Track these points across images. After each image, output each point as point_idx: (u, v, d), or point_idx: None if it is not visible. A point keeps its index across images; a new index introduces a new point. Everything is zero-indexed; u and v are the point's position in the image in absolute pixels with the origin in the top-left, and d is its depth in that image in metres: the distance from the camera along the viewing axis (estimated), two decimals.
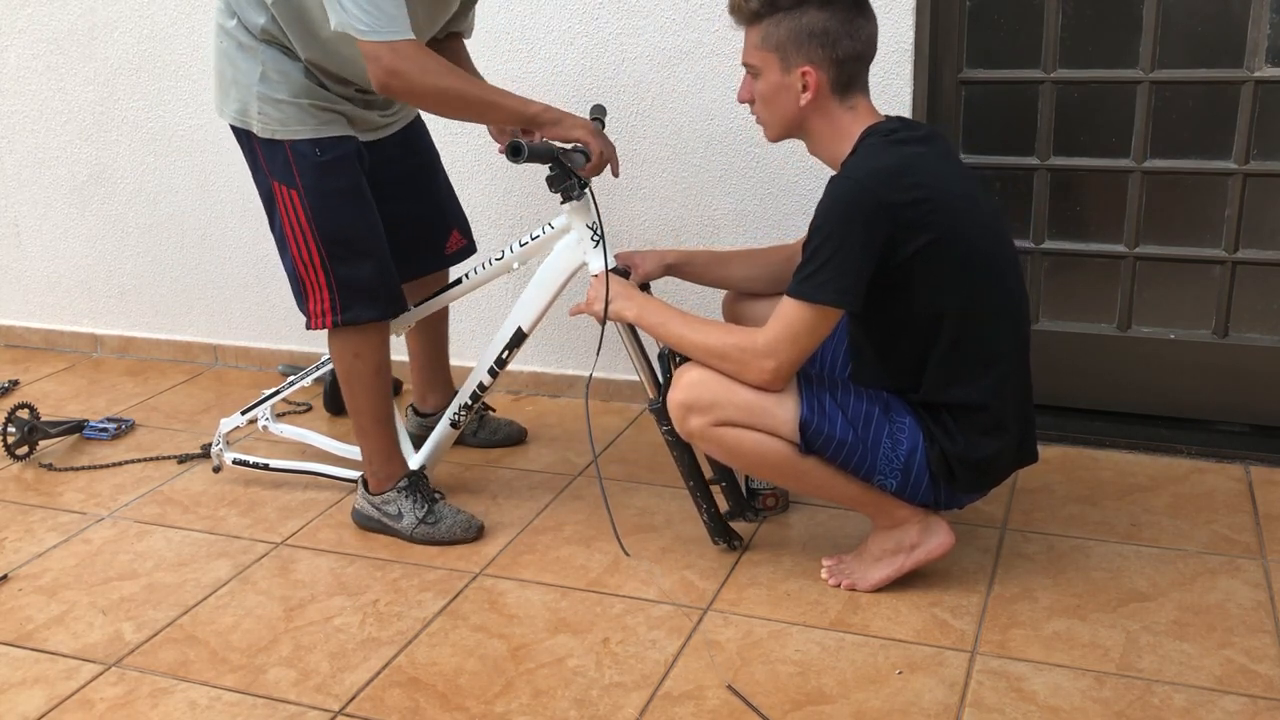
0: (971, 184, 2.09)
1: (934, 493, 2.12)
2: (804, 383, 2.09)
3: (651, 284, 2.39)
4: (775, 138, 2.14)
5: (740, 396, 2.06)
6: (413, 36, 2.16)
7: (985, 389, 2.06)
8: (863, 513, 2.22)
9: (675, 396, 2.12)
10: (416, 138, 2.60)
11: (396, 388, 3.28)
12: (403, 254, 2.59)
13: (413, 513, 2.46)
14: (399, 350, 3.02)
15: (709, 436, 2.11)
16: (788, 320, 2.00)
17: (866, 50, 2.05)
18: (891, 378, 2.14)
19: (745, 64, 2.10)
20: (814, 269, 1.96)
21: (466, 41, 2.62)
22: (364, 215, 2.39)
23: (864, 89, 2.08)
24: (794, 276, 2.00)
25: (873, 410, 2.08)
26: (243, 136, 2.38)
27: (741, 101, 2.14)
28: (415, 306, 2.62)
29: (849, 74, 2.03)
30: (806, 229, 2.02)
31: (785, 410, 2.06)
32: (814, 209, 2.00)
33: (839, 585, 2.22)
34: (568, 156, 2.29)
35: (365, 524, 2.54)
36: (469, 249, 2.78)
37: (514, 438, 2.98)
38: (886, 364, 2.15)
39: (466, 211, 2.81)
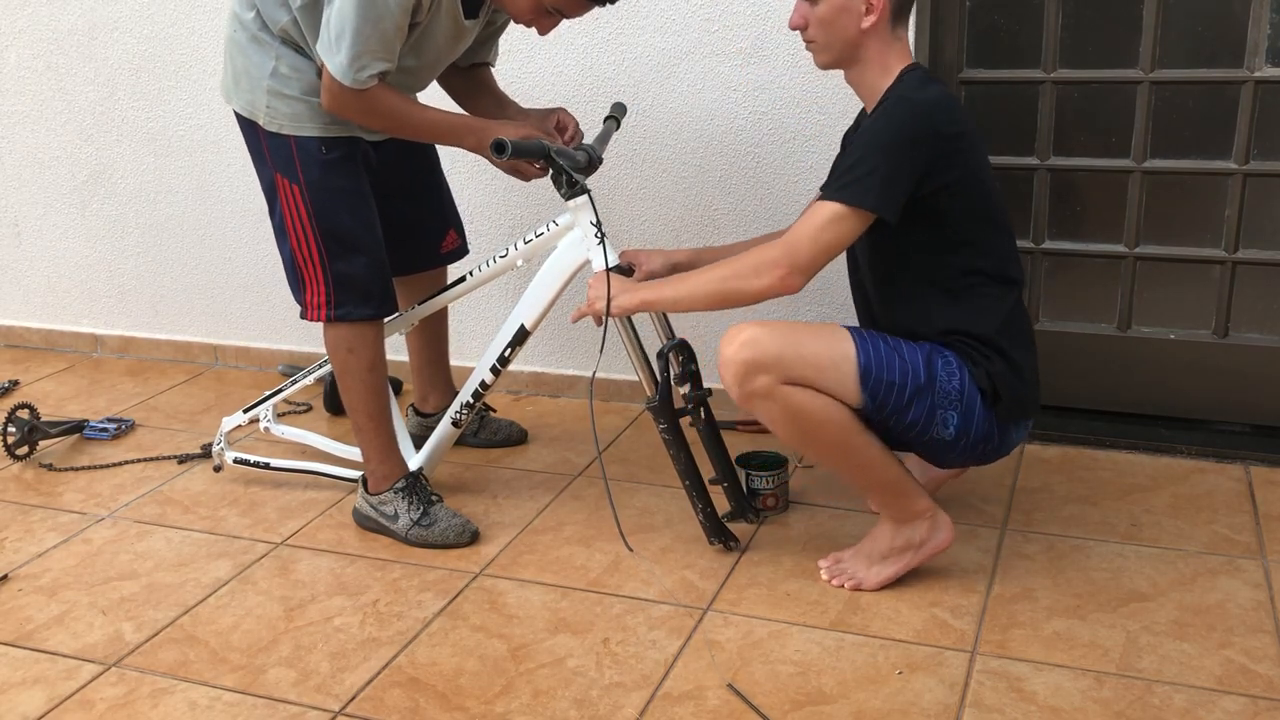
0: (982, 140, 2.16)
1: (988, 427, 2.10)
2: (857, 336, 2.08)
3: None
4: (826, 63, 2.15)
5: (805, 348, 2.04)
6: (374, 85, 2.20)
7: (995, 317, 2.10)
8: (883, 502, 2.21)
9: (736, 355, 2.04)
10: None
11: (397, 387, 3.28)
12: (399, 251, 2.60)
13: (408, 514, 2.46)
14: (400, 350, 3.03)
15: (776, 395, 2.05)
16: (816, 220, 2.01)
17: None
18: (898, 317, 2.17)
19: None
20: (859, 175, 1.99)
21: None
22: (363, 215, 2.40)
23: (907, 24, 2.13)
24: (830, 183, 2.02)
25: (924, 346, 2.10)
26: (248, 126, 2.40)
27: (793, 28, 2.15)
28: (418, 305, 2.63)
29: (906, 3, 2.11)
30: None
31: (847, 363, 2.04)
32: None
33: (840, 584, 2.22)
34: (562, 154, 2.28)
35: (364, 524, 2.54)
36: (462, 250, 2.80)
37: (514, 438, 2.98)
38: (892, 300, 2.17)
39: (466, 212, 2.82)
